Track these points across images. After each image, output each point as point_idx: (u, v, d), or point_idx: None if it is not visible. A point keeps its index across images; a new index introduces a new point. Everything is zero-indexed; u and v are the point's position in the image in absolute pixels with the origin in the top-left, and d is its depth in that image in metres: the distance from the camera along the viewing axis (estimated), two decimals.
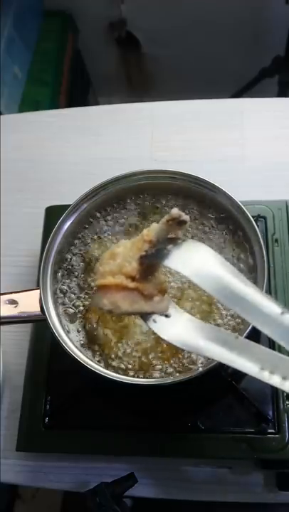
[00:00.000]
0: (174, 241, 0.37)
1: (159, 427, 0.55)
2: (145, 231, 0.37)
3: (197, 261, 0.35)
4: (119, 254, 0.39)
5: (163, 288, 0.40)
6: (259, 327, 0.32)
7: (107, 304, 0.38)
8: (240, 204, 0.53)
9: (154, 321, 0.40)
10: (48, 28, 1.46)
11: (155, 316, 0.40)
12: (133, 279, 0.38)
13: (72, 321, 0.53)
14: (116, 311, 0.38)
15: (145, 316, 0.40)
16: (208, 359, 0.49)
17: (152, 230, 0.37)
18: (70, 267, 0.56)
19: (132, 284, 0.37)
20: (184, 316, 0.40)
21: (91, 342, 0.52)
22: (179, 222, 0.36)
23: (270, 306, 0.33)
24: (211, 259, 0.36)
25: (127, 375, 0.50)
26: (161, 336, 0.39)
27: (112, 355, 0.51)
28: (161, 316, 0.40)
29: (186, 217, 0.36)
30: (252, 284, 0.34)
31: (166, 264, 0.37)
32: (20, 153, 0.81)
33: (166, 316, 0.40)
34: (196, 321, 0.39)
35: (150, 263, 0.38)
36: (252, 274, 0.51)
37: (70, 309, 0.54)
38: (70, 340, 0.50)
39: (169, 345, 0.47)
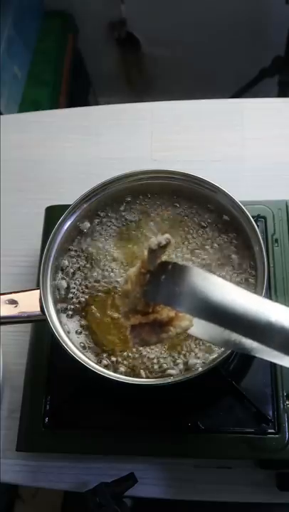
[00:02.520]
0: (165, 268, 0.39)
1: (159, 427, 0.55)
2: (140, 263, 0.40)
3: (191, 294, 0.37)
4: (129, 292, 0.41)
5: None
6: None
7: (138, 342, 0.41)
8: (240, 204, 0.53)
9: None
10: (48, 28, 1.45)
11: None
12: (148, 312, 0.40)
13: (72, 321, 0.53)
14: (148, 345, 0.42)
15: None
16: (208, 359, 0.49)
17: (145, 262, 0.40)
18: (70, 267, 0.56)
19: (149, 319, 0.40)
20: None
21: (91, 342, 0.52)
22: (162, 247, 0.38)
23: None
24: (203, 286, 0.37)
25: (127, 375, 0.50)
26: (190, 333, 0.41)
27: (112, 355, 0.51)
28: None
29: (165, 240, 0.38)
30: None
31: (167, 305, 0.39)
32: (21, 153, 0.81)
33: None
34: None
35: (153, 298, 0.40)
36: (252, 274, 0.52)
37: (70, 309, 0.54)
38: (70, 340, 0.50)
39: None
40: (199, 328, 0.40)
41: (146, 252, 0.39)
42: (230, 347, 0.39)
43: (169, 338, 0.42)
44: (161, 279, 0.39)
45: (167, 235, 0.38)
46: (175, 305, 0.38)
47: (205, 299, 0.36)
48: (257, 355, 0.36)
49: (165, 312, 0.41)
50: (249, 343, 0.35)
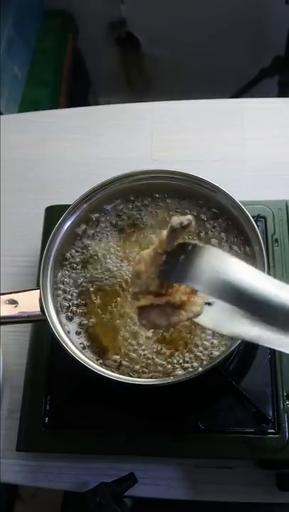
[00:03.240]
0: (185, 249, 0.38)
1: (159, 427, 0.55)
2: (157, 242, 0.39)
3: (211, 273, 0.36)
4: (142, 273, 0.40)
5: (192, 289, 0.41)
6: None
7: (147, 324, 0.40)
8: (240, 204, 0.53)
9: None
10: (48, 28, 1.45)
11: None
12: (161, 294, 0.39)
13: (72, 321, 0.53)
14: (157, 328, 0.40)
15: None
16: (208, 360, 0.49)
17: (163, 242, 0.38)
18: (70, 267, 0.56)
19: (161, 300, 0.39)
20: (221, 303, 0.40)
21: (91, 342, 0.52)
22: (183, 227, 0.37)
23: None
24: (222, 266, 0.36)
25: (126, 374, 0.50)
26: (200, 323, 0.40)
27: (112, 355, 0.51)
28: (205, 304, 0.41)
29: (186, 221, 0.37)
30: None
31: (185, 284, 0.37)
32: (21, 153, 0.81)
33: (209, 304, 0.40)
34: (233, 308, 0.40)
35: (169, 278, 0.39)
36: None
37: (70, 309, 0.54)
38: (70, 340, 0.50)
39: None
40: (208, 316, 0.40)
41: (164, 233, 0.38)
42: (238, 336, 0.38)
43: (179, 323, 0.41)
44: (180, 259, 0.38)
45: (189, 216, 0.37)
46: (193, 283, 0.36)
47: (224, 278, 0.35)
48: (265, 344, 0.35)
49: (178, 295, 0.40)
50: (257, 330, 0.35)
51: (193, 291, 0.41)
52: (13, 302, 0.50)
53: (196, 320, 0.41)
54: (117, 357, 0.51)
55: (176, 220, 0.37)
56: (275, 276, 0.59)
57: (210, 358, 0.49)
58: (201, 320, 0.41)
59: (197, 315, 0.40)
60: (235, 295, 0.35)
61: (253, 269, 0.36)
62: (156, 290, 0.39)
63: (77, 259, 0.57)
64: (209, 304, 0.41)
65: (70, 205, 0.56)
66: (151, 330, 0.51)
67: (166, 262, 0.39)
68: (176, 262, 0.38)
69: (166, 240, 0.38)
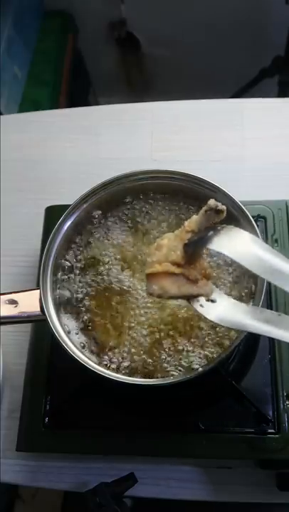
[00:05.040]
0: (214, 228, 0.39)
1: (159, 427, 0.55)
2: (186, 223, 0.41)
3: (236, 242, 0.37)
4: (165, 245, 0.41)
5: (207, 273, 0.43)
6: None
7: (157, 289, 0.41)
8: (240, 204, 0.53)
9: (202, 306, 0.42)
10: (48, 28, 1.45)
11: (202, 301, 0.42)
12: (179, 265, 0.40)
13: (72, 321, 0.53)
14: (165, 295, 0.40)
15: (192, 300, 0.42)
16: (207, 360, 0.49)
17: (193, 222, 0.40)
18: (71, 267, 0.56)
19: (178, 270, 0.40)
20: (229, 299, 0.43)
21: (91, 342, 0.52)
22: (217, 211, 0.39)
23: None
24: (248, 240, 0.38)
25: (127, 375, 0.50)
26: (208, 318, 0.41)
27: (113, 355, 0.51)
28: (208, 301, 0.42)
29: (222, 207, 0.39)
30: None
31: (209, 247, 0.39)
32: (21, 153, 0.81)
33: (212, 301, 0.42)
34: (240, 304, 0.42)
35: (194, 250, 0.40)
36: (252, 274, 0.51)
37: (70, 309, 0.54)
38: (70, 340, 0.50)
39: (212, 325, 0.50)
40: (212, 312, 0.41)
41: (194, 216, 0.40)
42: (242, 328, 0.40)
43: (187, 296, 0.42)
44: (208, 234, 0.39)
45: (224, 206, 0.39)
46: (217, 247, 0.38)
47: (247, 246, 0.37)
48: (267, 334, 0.37)
49: (193, 273, 0.41)
50: (258, 323, 0.38)
51: (208, 275, 0.43)
52: (13, 302, 0.50)
53: (202, 314, 0.42)
54: (118, 357, 0.51)
55: (213, 201, 0.38)
56: None
57: (210, 358, 0.49)
58: (207, 314, 0.41)
59: (206, 295, 0.42)
60: (257, 262, 0.36)
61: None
62: (175, 260, 0.40)
63: (78, 259, 0.57)
64: (212, 301, 0.42)
65: (70, 205, 0.56)
66: (151, 330, 0.51)
67: (193, 236, 0.40)
68: (204, 235, 0.39)
69: (198, 220, 0.40)
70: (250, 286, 0.51)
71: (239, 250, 0.37)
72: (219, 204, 0.39)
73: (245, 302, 0.49)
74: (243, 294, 0.52)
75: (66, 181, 0.77)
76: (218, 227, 0.39)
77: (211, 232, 0.39)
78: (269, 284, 0.59)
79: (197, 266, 0.42)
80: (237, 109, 0.80)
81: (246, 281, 0.52)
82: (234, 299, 0.44)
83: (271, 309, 0.58)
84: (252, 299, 0.50)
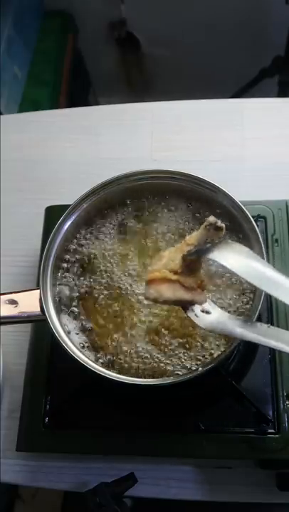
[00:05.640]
0: (212, 241, 0.42)
1: (159, 427, 0.55)
2: (187, 237, 0.44)
3: (233, 253, 0.40)
4: (165, 256, 0.45)
5: (202, 285, 0.45)
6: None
7: (152, 293, 0.44)
8: (240, 204, 0.53)
9: (196, 316, 0.44)
10: (48, 28, 1.45)
11: (197, 311, 0.44)
12: (176, 273, 0.43)
13: (72, 321, 0.53)
14: (160, 298, 0.43)
15: (187, 308, 0.45)
16: (207, 360, 0.49)
17: (193, 236, 0.43)
18: (70, 267, 0.56)
19: (174, 277, 0.43)
20: (221, 311, 0.45)
21: (91, 342, 0.52)
22: (216, 228, 0.41)
23: None
24: (245, 252, 0.40)
25: (127, 375, 0.50)
26: (202, 326, 0.44)
27: (112, 355, 0.51)
28: (202, 312, 0.45)
29: (221, 224, 0.41)
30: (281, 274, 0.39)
31: (207, 256, 0.41)
32: (21, 153, 0.81)
33: (207, 312, 0.44)
34: (231, 316, 0.45)
35: (192, 260, 0.43)
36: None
37: (70, 309, 0.54)
38: (70, 340, 0.50)
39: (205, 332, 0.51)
40: (207, 322, 0.44)
41: (195, 232, 0.42)
42: (236, 336, 0.42)
43: (181, 301, 0.44)
44: (207, 246, 0.41)
45: (223, 225, 0.41)
46: (216, 257, 0.40)
47: (246, 259, 0.39)
48: (261, 342, 0.39)
49: (189, 281, 0.44)
50: (252, 336, 0.40)
51: (203, 286, 0.45)
52: (13, 302, 0.50)
53: (197, 323, 0.44)
54: (118, 357, 0.51)
55: (213, 218, 0.41)
56: None
57: (210, 358, 0.49)
58: (202, 324, 0.44)
59: (199, 302, 0.44)
60: (254, 273, 0.39)
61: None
62: (173, 268, 0.43)
63: (77, 259, 0.57)
64: (208, 312, 0.44)
65: (70, 205, 0.56)
66: (151, 330, 0.51)
67: (193, 249, 0.42)
68: (202, 247, 0.42)
69: (198, 235, 0.42)
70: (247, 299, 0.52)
71: (236, 261, 0.39)
72: (218, 221, 0.41)
73: (243, 309, 0.51)
74: (243, 302, 0.52)
75: (66, 181, 0.77)
76: (216, 241, 0.42)
77: (209, 244, 0.42)
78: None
79: (194, 276, 0.44)
80: (237, 109, 0.80)
81: (244, 285, 0.52)
82: (233, 303, 0.46)
83: (271, 316, 0.58)
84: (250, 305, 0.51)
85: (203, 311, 0.44)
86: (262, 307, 0.48)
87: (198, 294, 0.44)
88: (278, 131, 0.77)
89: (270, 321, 0.57)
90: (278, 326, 0.56)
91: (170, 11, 1.43)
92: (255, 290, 0.51)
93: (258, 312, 0.47)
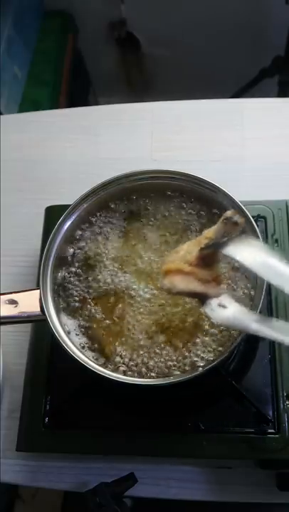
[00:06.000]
0: (230, 236, 0.42)
1: (159, 427, 0.55)
2: (206, 230, 0.44)
3: (249, 249, 0.40)
4: (183, 249, 0.45)
5: (218, 278, 0.45)
6: None
7: (166, 284, 0.44)
8: (240, 204, 0.53)
9: (212, 310, 0.44)
10: (48, 28, 1.45)
11: (214, 306, 0.44)
12: (191, 265, 0.44)
13: (72, 321, 0.53)
14: (173, 289, 0.44)
15: (204, 303, 0.44)
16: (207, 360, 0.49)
17: (211, 230, 0.44)
18: (70, 267, 0.56)
19: (188, 268, 0.43)
20: (238, 306, 0.44)
21: (91, 342, 0.52)
22: (234, 223, 0.42)
23: None
24: (258, 247, 0.41)
25: (126, 375, 0.50)
26: (216, 320, 0.44)
27: (112, 356, 0.51)
28: (219, 307, 0.44)
29: (240, 219, 0.42)
30: None
31: (223, 251, 0.41)
32: (21, 153, 0.81)
33: (224, 307, 0.44)
34: (248, 311, 0.44)
35: (208, 254, 0.43)
36: (252, 274, 0.51)
37: (70, 309, 0.54)
38: (70, 340, 0.50)
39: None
40: (223, 317, 0.43)
41: (214, 226, 0.43)
42: (251, 332, 0.41)
43: (194, 294, 0.44)
44: (223, 240, 0.42)
45: (242, 219, 0.42)
46: (231, 253, 0.40)
47: (260, 254, 0.39)
48: (274, 338, 0.39)
49: (204, 274, 0.44)
50: (268, 332, 0.39)
51: (219, 280, 0.45)
52: (13, 302, 0.50)
53: (212, 317, 0.43)
54: (117, 357, 0.51)
55: (230, 212, 0.42)
56: None
57: (210, 358, 0.49)
58: (216, 319, 0.43)
59: (212, 294, 0.44)
60: (269, 269, 0.39)
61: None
62: (189, 260, 0.44)
63: (77, 259, 0.57)
64: (224, 306, 0.44)
65: (70, 205, 0.56)
66: (151, 330, 0.51)
67: (210, 242, 0.43)
68: (219, 241, 0.42)
69: (216, 229, 0.43)
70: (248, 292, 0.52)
71: (251, 256, 0.39)
72: (237, 215, 0.42)
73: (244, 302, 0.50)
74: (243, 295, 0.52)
75: (66, 181, 0.77)
76: (233, 236, 0.42)
77: (226, 239, 0.42)
78: (269, 286, 0.59)
79: (210, 270, 0.44)
80: (237, 109, 0.80)
81: (244, 285, 0.52)
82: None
83: (271, 308, 0.58)
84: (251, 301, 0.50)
85: (220, 305, 0.44)
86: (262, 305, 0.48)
87: (212, 287, 0.44)
88: (278, 131, 0.77)
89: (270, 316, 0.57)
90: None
91: (170, 11, 1.43)
92: (256, 284, 0.50)
93: (260, 306, 0.47)
